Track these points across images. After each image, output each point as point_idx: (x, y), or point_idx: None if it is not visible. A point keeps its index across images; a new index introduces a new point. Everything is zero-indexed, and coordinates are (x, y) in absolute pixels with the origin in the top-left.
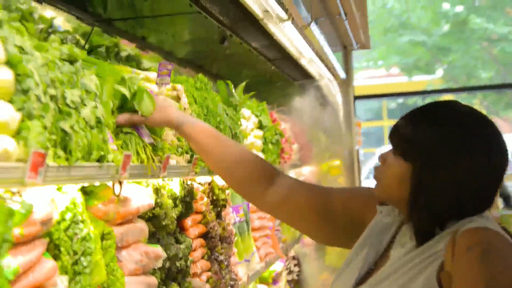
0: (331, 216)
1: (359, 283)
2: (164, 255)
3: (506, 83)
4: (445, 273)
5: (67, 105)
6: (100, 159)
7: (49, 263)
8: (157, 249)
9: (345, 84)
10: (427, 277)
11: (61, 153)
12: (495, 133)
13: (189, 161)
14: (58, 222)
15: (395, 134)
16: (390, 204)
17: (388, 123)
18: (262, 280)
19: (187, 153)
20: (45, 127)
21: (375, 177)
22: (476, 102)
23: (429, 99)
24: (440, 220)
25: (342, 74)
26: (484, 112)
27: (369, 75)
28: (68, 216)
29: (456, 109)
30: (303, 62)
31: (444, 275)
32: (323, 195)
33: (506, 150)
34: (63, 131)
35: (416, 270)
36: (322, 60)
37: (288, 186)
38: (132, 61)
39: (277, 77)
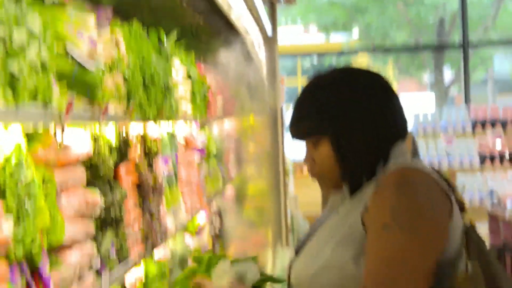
0: None
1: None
2: (101, 201)
3: (418, 45)
4: (368, 211)
5: (14, 46)
6: (45, 103)
7: None
8: (95, 197)
9: (271, 40)
10: (354, 220)
11: (9, 93)
12: (372, 75)
13: (127, 108)
14: (3, 166)
15: (298, 126)
16: (335, 186)
17: (302, 82)
18: (187, 231)
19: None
20: None
21: (313, 176)
22: (390, 62)
23: (344, 58)
24: (370, 167)
25: (269, 30)
26: (396, 72)
27: (288, 31)
28: (13, 160)
29: (333, 73)
30: (232, 16)
31: (366, 215)
32: None
33: (386, 84)
34: (10, 73)
35: (345, 216)
36: (252, 15)
37: None
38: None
39: (204, 30)
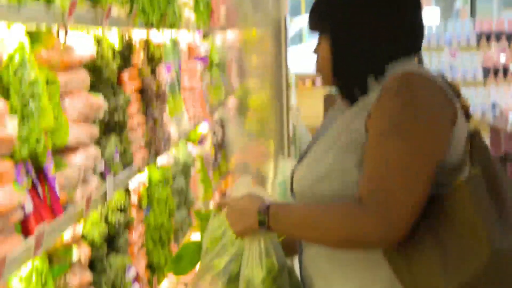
0: None
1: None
2: (105, 105)
3: None
4: (370, 118)
5: None
6: (47, 2)
7: (0, 102)
8: (99, 100)
9: None
10: (357, 126)
11: None
12: None
13: (130, 12)
14: (7, 64)
15: (309, 17)
16: (332, 84)
17: None
18: (190, 140)
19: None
20: None
21: (317, 71)
22: None
23: None
24: (363, 70)
25: None
26: None
27: None
28: (17, 58)
29: None
30: None
31: (369, 121)
32: None
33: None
34: None
35: (349, 122)
36: None
37: None
38: None
39: None
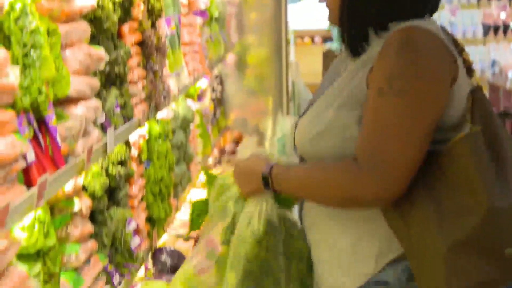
0: None
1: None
2: (106, 57)
3: None
4: (371, 73)
5: None
6: None
7: (2, 52)
8: (100, 51)
9: None
10: (358, 80)
11: None
12: None
13: None
14: (8, 12)
15: None
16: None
17: None
18: (189, 96)
19: None
20: None
21: (326, 5)
22: None
23: None
24: (368, 22)
25: None
26: None
27: None
28: (18, 6)
29: None
30: None
31: (370, 76)
32: None
33: None
34: None
35: (350, 77)
36: None
37: None
38: None
39: None
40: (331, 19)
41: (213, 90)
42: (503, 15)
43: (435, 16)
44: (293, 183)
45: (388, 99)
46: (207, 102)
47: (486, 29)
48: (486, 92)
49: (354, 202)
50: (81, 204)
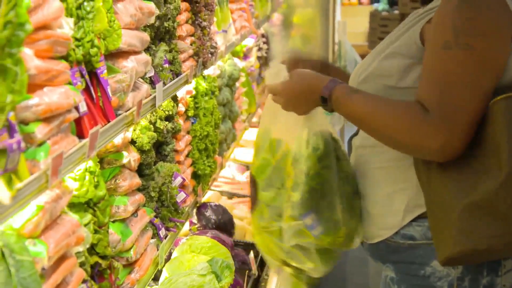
0: None
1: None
2: (156, 11)
3: None
4: (431, 24)
5: None
6: None
7: (56, 2)
8: (151, 5)
9: None
10: (414, 31)
11: None
12: None
13: None
14: None
15: None
16: None
17: None
18: (235, 54)
19: None
20: None
21: None
22: None
23: None
24: None
25: None
26: None
27: None
28: None
29: None
30: None
31: (427, 27)
32: None
33: None
34: None
35: (406, 27)
36: None
37: None
38: None
39: None
40: None
41: (259, 48)
42: None
43: None
44: (354, 110)
45: (456, 52)
46: (253, 61)
47: None
48: None
49: (415, 148)
50: (130, 157)
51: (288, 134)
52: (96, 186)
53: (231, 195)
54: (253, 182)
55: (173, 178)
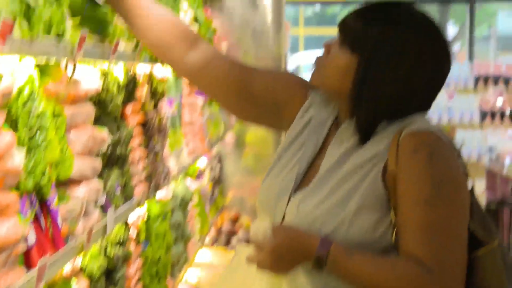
0: (252, 95)
1: (298, 187)
2: (108, 139)
3: None
4: (390, 173)
5: None
6: (58, 37)
7: (9, 135)
8: (103, 133)
9: None
10: (372, 178)
11: (24, 25)
12: (443, 39)
13: (136, 47)
14: (17, 97)
15: (346, 25)
16: (327, 95)
17: (304, 32)
18: (188, 175)
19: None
20: None
21: (317, 65)
22: None
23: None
24: (382, 116)
25: None
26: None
27: None
28: (26, 91)
29: (411, 11)
30: None
31: (389, 176)
32: (244, 72)
33: (450, 56)
34: (27, 4)
35: (361, 173)
36: None
37: (210, 53)
38: None
39: None
40: (317, 81)
41: (212, 169)
42: (500, 101)
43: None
44: (354, 273)
45: (441, 208)
46: (205, 181)
47: (483, 115)
48: (483, 178)
49: None
50: (79, 285)
51: None
52: None
53: None
54: None
55: None
